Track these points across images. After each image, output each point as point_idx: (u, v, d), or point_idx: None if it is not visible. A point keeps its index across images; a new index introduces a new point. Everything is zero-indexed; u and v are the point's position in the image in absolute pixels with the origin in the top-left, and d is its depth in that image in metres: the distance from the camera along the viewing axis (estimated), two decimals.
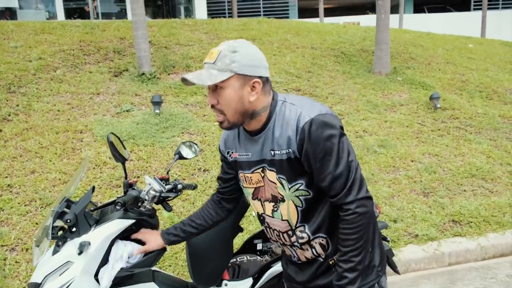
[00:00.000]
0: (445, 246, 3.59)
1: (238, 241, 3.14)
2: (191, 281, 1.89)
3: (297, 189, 1.33)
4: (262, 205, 1.44)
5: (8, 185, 3.82)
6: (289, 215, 1.37)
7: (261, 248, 2.21)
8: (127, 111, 5.27)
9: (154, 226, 1.80)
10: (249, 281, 1.93)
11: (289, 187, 1.33)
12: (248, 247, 2.20)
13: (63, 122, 4.86)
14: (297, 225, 1.39)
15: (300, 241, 1.41)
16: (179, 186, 1.92)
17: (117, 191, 3.86)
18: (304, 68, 7.00)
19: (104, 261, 1.62)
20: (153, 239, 1.67)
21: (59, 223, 1.70)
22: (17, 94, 5.23)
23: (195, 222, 1.68)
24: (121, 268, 1.64)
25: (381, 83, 6.86)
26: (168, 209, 1.88)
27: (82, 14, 13.42)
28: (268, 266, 1.97)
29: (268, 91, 1.35)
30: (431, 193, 4.30)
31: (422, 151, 5.04)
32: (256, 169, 1.39)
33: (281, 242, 1.48)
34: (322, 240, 1.39)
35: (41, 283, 1.60)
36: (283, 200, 1.36)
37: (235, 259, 2.09)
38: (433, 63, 8.13)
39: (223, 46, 1.29)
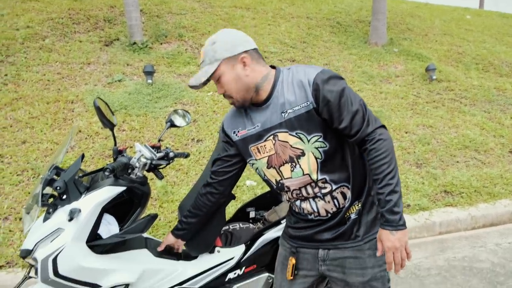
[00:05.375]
0: (436, 216, 3.63)
1: (232, 210, 3.16)
2: (184, 248, 1.89)
3: (316, 141, 1.42)
4: (278, 171, 1.50)
5: None
6: (310, 168, 1.45)
7: (253, 216, 2.21)
8: (118, 81, 5.18)
9: (146, 193, 1.78)
10: (242, 248, 1.94)
11: (308, 139, 1.42)
12: (241, 215, 2.20)
13: (53, 92, 4.78)
14: (319, 178, 1.46)
15: (323, 191, 1.48)
16: (171, 154, 1.89)
17: (110, 161, 3.83)
18: (299, 39, 6.88)
19: (95, 229, 1.61)
20: (165, 238, 1.83)
21: (49, 190, 1.68)
22: (5, 64, 5.11)
23: (191, 211, 1.76)
24: (113, 235, 1.64)
25: (377, 54, 6.78)
26: (160, 176, 1.86)
27: None
28: (260, 233, 1.97)
29: (261, 61, 1.47)
30: (424, 164, 4.32)
31: (417, 123, 5.03)
32: (268, 137, 1.47)
33: (303, 198, 1.52)
34: (343, 188, 1.48)
35: (32, 250, 1.59)
36: (303, 155, 1.44)
37: (227, 227, 2.09)
38: (430, 34, 8.02)
39: (205, 45, 1.46)
